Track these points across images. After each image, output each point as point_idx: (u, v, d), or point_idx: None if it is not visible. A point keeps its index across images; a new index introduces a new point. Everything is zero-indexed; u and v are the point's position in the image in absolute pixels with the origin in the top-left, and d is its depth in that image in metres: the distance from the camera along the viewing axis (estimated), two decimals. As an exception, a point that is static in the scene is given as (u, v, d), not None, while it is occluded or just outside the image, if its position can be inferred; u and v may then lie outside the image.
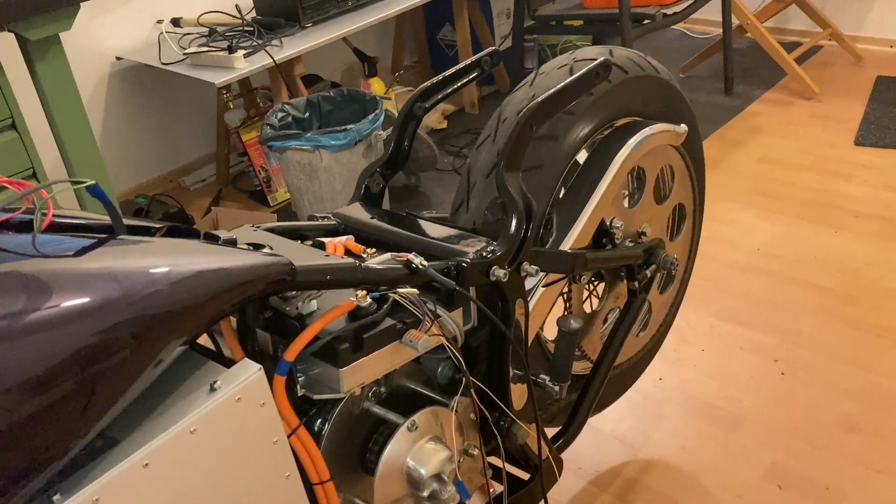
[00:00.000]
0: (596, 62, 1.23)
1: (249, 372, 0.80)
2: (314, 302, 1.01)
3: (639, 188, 1.46)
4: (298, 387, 0.98)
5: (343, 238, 1.14)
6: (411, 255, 1.02)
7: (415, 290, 1.03)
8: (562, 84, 1.19)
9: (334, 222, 1.23)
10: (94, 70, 2.84)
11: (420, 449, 1.07)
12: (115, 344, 0.70)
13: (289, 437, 0.96)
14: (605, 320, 1.55)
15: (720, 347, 2.03)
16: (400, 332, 1.02)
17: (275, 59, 2.57)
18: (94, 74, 2.85)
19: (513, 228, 1.12)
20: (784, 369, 1.94)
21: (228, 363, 0.84)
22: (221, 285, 0.81)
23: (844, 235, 2.42)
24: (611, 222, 1.36)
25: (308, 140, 2.40)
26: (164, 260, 0.80)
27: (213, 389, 0.77)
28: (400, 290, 1.02)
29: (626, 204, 1.43)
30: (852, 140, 2.95)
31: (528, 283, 1.24)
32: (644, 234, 1.44)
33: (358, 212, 1.26)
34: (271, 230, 1.11)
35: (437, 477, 1.07)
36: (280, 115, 2.58)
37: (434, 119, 3.43)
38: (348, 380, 0.97)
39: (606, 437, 1.81)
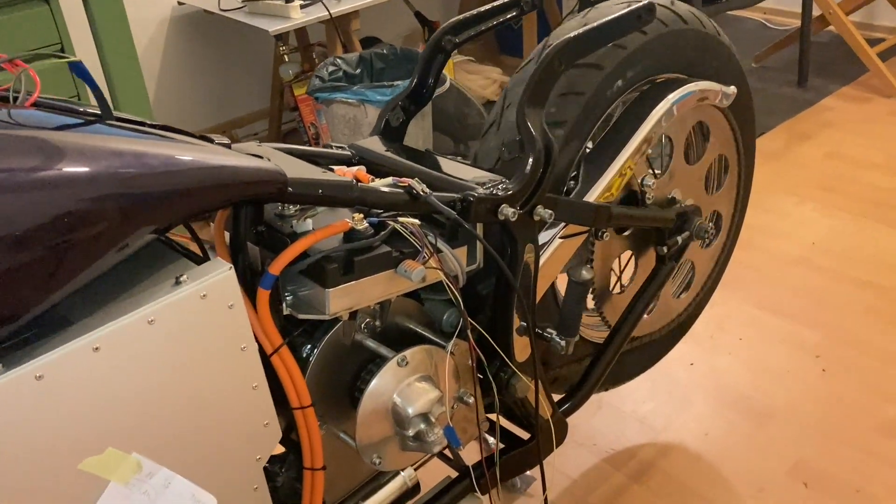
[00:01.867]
0: (639, 4, 1.16)
1: (219, 270, 0.76)
2: (309, 221, 0.97)
3: (673, 153, 1.38)
4: (284, 305, 0.94)
5: (354, 168, 1.10)
6: (413, 181, 0.97)
7: (416, 220, 0.99)
8: (598, 22, 1.11)
9: (348, 152, 1.19)
10: (155, 14, 2.87)
11: (409, 386, 1.03)
12: (78, 217, 0.67)
13: (270, 356, 0.93)
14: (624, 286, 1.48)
15: (759, 338, 1.93)
16: (395, 260, 0.97)
17: (330, 11, 2.55)
18: (154, 18, 2.88)
19: (528, 167, 1.05)
20: (825, 366, 1.82)
21: (201, 261, 0.81)
22: (202, 179, 0.78)
23: (910, 237, 2.27)
24: (642, 180, 1.28)
25: (354, 93, 2.37)
26: (145, 146, 0.77)
27: (177, 283, 0.74)
28: (400, 218, 0.98)
29: (672, 165, 1.35)
30: (931, 142, 2.77)
31: (546, 236, 1.18)
32: (677, 199, 1.36)
33: (375, 144, 1.21)
34: (278, 149, 1.07)
35: (424, 417, 1.02)
36: (331, 68, 2.56)
37: (491, 91, 3.37)
38: (335, 302, 0.93)
39: (626, 416, 1.73)
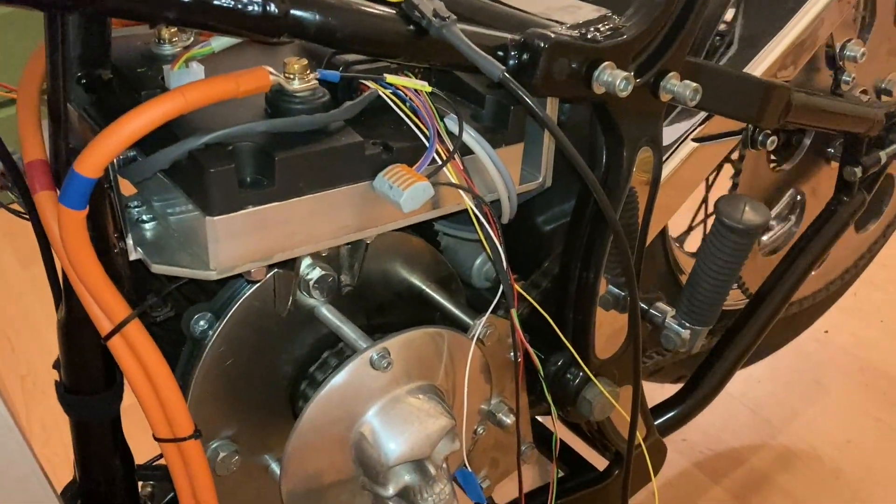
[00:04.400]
0: None
1: None
2: (198, 67, 0.47)
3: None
4: (130, 242, 0.45)
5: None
6: (418, -7, 0.45)
7: (422, 82, 0.48)
8: None
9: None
10: None
11: (392, 405, 0.54)
12: None
13: (105, 339, 0.46)
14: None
15: None
16: (372, 161, 0.47)
17: None
18: None
19: (661, -7, 0.52)
20: None
21: None
22: None
23: None
24: (842, 48, 0.73)
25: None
26: None
27: None
28: (389, 76, 0.47)
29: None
30: None
31: (668, 135, 0.65)
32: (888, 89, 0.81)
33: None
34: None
35: (418, 466, 0.54)
36: None
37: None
38: (227, 246, 0.44)
39: (733, 401, 1.24)
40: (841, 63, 0.73)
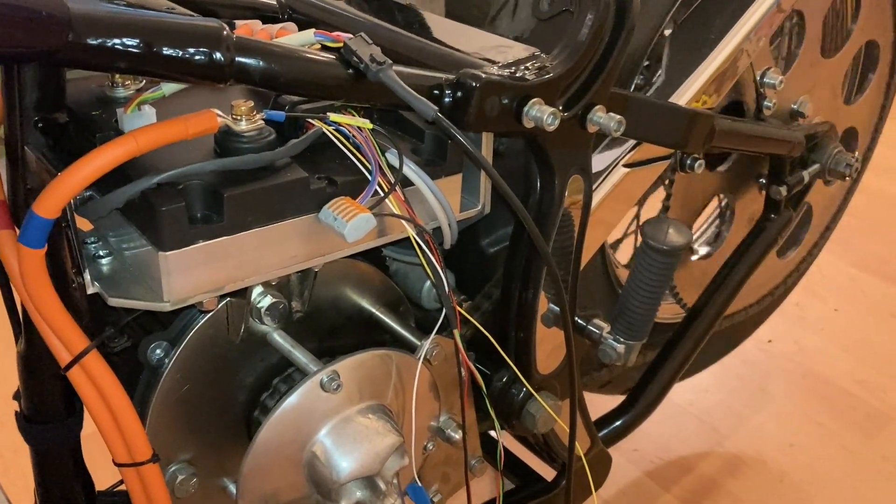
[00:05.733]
0: None
1: None
2: (149, 110, 0.49)
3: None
4: (87, 277, 0.47)
5: (277, 25, 0.61)
6: (357, 38, 0.49)
7: (366, 121, 0.51)
8: None
9: (273, 1, 0.70)
10: None
11: (343, 425, 0.57)
12: None
13: (65, 370, 0.48)
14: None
15: (862, 309, 1.48)
16: (317, 195, 0.50)
17: None
18: None
19: (585, 32, 0.56)
20: (956, 355, 1.36)
21: None
22: None
23: None
24: (762, 76, 0.79)
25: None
26: None
27: None
28: (333, 114, 0.50)
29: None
30: None
31: (600, 161, 0.70)
32: (805, 113, 0.86)
33: (321, -9, 0.72)
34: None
35: (368, 482, 0.57)
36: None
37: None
38: (179, 279, 0.46)
39: (681, 411, 1.29)
40: (762, 90, 0.78)
